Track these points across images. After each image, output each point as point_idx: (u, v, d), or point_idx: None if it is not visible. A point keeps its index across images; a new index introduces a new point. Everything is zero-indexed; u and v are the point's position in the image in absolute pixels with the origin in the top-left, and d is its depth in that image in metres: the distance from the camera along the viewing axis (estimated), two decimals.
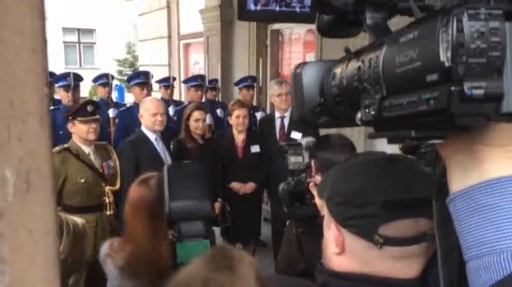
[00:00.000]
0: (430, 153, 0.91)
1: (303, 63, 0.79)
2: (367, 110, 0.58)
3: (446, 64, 0.44)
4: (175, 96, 6.82)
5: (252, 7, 0.80)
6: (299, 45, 6.15)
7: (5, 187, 0.39)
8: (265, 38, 6.37)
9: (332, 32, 0.75)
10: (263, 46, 6.38)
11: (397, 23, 0.65)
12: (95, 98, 5.81)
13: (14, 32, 0.38)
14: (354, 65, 0.62)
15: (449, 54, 0.44)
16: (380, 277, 0.78)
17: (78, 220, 1.59)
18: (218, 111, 5.56)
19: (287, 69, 6.31)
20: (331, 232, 0.83)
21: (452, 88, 0.44)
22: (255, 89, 5.54)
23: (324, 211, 0.86)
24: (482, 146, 0.52)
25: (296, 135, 4.04)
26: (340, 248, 0.81)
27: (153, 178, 1.86)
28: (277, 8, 0.77)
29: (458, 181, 0.55)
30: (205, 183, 1.66)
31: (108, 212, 3.28)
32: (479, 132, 0.51)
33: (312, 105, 0.76)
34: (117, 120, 4.87)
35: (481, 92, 0.44)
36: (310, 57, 5.69)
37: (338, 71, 0.69)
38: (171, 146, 3.85)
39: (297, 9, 0.77)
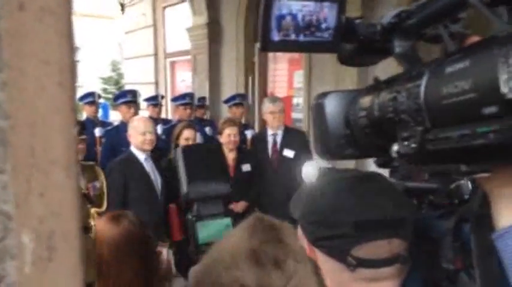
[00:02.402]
0: (403, 167, 0.90)
1: (325, 94, 0.76)
2: (405, 143, 0.55)
3: (509, 96, 0.41)
4: (163, 115, 6.74)
5: (276, 37, 0.77)
6: (284, 62, 6.16)
7: (21, 255, 0.31)
8: (253, 56, 6.38)
9: (354, 60, 0.73)
10: (251, 64, 6.38)
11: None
12: (79, 117, 5.71)
13: (37, 62, 0.31)
14: (387, 95, 0.60)
15: (511, 85, 0.40)
16: None
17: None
18: (207, 129, 5.50)
19: (273, 87, 6.30)
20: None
21: None
22: (244, 107, 5.51)
23: (298, 230, 0.83)
24: None
25: (288, 153, 4.00)
26: None
27: (124, 216, 1.39)
28: (302, 38, 0.75)
29: (506, 216, 0.52)
30: (223, 163, 1.65)
31: (93, 235, 3.16)
32: None
33: (337, 137, 0.73)
34: (103, 140, 4.77)
35: None
36: (299, 75, 5.69)
37: (366, 101, 0.66)
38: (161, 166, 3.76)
39: (321, 39, 0.75)
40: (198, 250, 1.43)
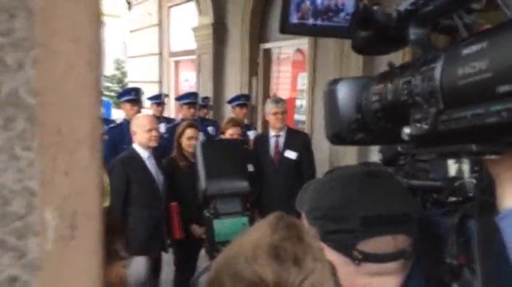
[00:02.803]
0: (409, 165, 0.93)
1: (337, 80, 0.77)
2: (418, 125, 0.56)
3: None
4: (166, 113, 6.75)
5: (295, 20, 0.78)
6: (288, 64, 6.16)
7: (44, 232, 0.31)
8: (257, 57, 6.38)
9: (369, 49, 0.74)
10: (255, 65, 6.38)
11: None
12: None
13: (67, 41, 0.31)
14: (401, 79, 0.61)
15: None
16: None
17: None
18: (209, 129, 5.50)
19: (277, 89, 6.31)
20: None
21: None
22: (248, 108, 5.51)
23: (304, 224, 0.83)
24: None
25: (291, 154, 4.00)
26: None
27: None
28: (319, 22, 0.75)
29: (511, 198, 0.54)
30: (242, 160, 1.61)
31: None
32: None
33: (348, 121, 0.74)
34: (106, 137, 4.77)
35: None
36: (303, 77, 5.70)
37: (379, 86, 0.67)
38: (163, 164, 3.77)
39: (338, 24, 0.76)
40: (213, 247, 1.41)
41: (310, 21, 0.69)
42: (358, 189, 0.78)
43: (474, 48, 0.47)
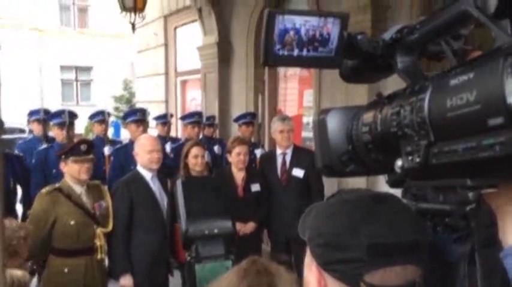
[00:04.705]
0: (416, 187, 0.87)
1: (327, 110, 0.75)
2: (410, 157, 0.55)
3: None
4: (172, 133, 6.74)
5: (279, 51, 0.76)
6: (294, 81, 6.15)
7: None
8: (262, 75, 6.38)
9: (356, 77, 0.73)
10: (261, 82, 6.38)
11: None
12: (91, 135, 5.73)
13: None
14: (389, 110, 0.59)
15: None
16: None
17: (19, 272, 1.50)
18: (216, 148, 5.47)
19: (283, 106, 6.28)
20: (312, 274, 0.77)
21: None
22: (254, 126, 5.48)
23: (306, 251, 0.80)
24: None
25: (298, 172, 3.93)
26: None
27: None
28: (304, 53, 0.73)
29: None
30: (224, 198, 1.52)
31: (99, 256, 3.12)
32: None
33: (339, 153, 0.72)
34: (112, 158, 4.76)
35: None
36: (309, 94, 5.67)
37: (369, 116, 0.66)
38: (168, 185, 3.72)
39: (324, 54, 0.73)
40: None
41: (295, 52, 0.68)
42: (364, 215, 0.73)
43: (461, 78, 0.46)
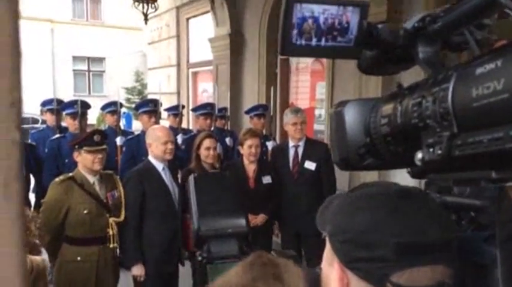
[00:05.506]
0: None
1: (344, 102, 0.73)
2: (431, 149, 0.53)
3: None
4: (184, 125, 6.75)
5: (297, 41, 0.73)
6: (306, 74, 6.11)
7: None
8: (275, 67, 6.35)
9: (374, 69, 0.71)
10: (273, 75, 6.35)
11: None
12: (102, 126, 5.76)
13: None
14: (410, 101, 0.57)
15: None
16: None
17: (38, 258, 1.52)
18: (227, 139, 5.47)
19: (295, 98, 6.25)
20: (334, 271, 0.73)
21: None
22: (266, 118, 5.46)
23: (326, 245, 0.76)
24: None
25: (310, 165, 3.91)
26: None
27: None
28: (323, 43, 0.71)
29: None
30: (237, 194, 1.46)
31: (111, 245, 3.15)
32: None
33: (356, 146, 0.70)
34: (124, 149, 4.79)
35: None
36: (321, 86, 5.63)
37: (388, 108, 0.64)
38: (179, 176, 3.73)
39: (342, 44, 0.71)
40: None
41: (313, 41, 0.65)
42: (390, 211, 0.69)
43: (488, 67, 0.45)
